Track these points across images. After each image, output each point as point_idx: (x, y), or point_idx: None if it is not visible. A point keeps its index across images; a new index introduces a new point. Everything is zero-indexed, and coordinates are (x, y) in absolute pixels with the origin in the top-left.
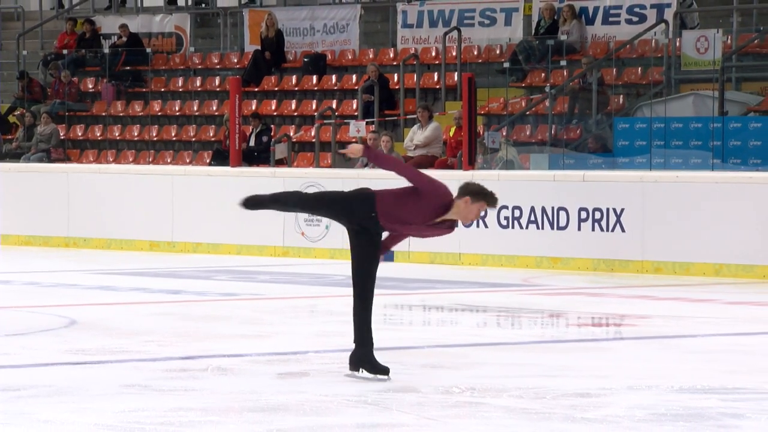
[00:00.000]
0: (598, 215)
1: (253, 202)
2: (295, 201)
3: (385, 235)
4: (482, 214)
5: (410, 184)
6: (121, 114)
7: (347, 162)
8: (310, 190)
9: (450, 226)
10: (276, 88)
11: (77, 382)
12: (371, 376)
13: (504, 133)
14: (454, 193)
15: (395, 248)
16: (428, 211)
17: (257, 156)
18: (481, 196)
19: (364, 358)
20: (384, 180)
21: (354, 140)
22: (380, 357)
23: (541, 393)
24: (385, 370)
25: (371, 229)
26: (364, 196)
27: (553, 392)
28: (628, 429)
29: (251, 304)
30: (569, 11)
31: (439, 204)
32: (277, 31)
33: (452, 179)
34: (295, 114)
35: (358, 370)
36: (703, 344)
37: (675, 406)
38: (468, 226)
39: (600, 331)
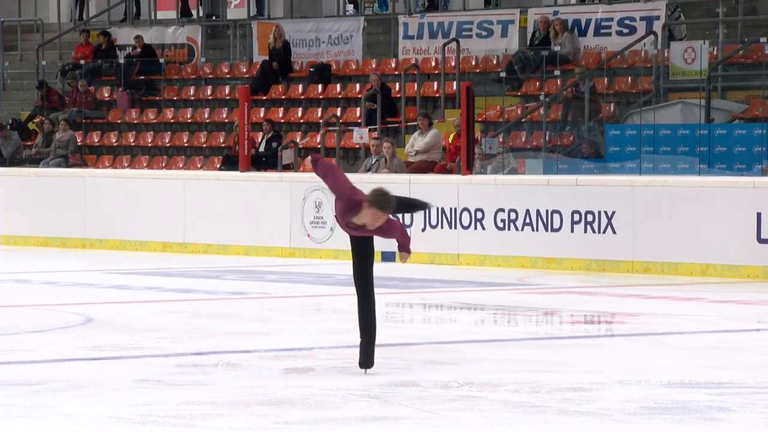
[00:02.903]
0: (590, 218)
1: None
2: None
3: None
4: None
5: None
6: (136, 121)
7: (351, 165)
8: (316, 195)
9: (368, 230)
10: (283, 97)
11: (93, 377)
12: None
13: (500, 140)
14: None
15: (392, 248)
16: (342, 213)
17: (265, 161)
18: (373, 202)
19: (361, 345)
20: (384, 183)
21: (358, 146)
22: (383, 353)
23: (535, 387)
24: (368, 364)
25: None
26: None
27: (548, 387)
28: (618, 422)
29: (259, 302)
30: (560, 25)
31: (346, 207)
32: (284, 42)
33: (450, 183)
34: (302, 121)
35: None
36: (690, 341)
37: (664, 400)
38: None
39: (592, 329)
